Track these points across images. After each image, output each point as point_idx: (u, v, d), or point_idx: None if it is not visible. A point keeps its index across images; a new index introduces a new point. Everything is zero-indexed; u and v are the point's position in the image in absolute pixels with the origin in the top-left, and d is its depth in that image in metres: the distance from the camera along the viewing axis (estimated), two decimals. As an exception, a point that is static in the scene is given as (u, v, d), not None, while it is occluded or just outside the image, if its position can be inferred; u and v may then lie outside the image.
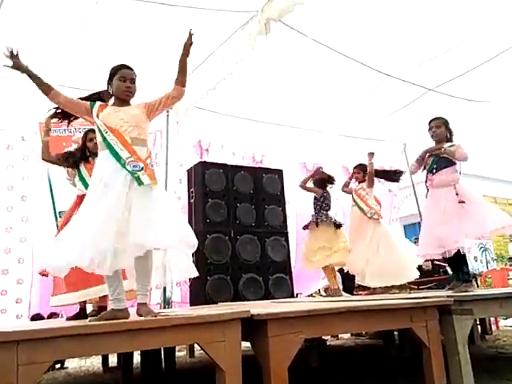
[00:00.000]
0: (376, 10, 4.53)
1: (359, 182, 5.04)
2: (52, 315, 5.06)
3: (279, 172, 6.20)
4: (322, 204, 5.16)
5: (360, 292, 4.97)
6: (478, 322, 5.06)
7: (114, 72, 2.55)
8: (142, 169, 2.33)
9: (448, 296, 2.79)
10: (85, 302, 3.38)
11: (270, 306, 3.40)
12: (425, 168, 3.76)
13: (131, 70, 2.58)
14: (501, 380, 3.02)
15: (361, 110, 6.54)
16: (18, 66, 2.49)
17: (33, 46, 4.58)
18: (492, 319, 6.00)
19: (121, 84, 2.52)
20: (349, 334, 6.15)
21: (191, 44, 2.64)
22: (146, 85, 5.45)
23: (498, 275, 7.21)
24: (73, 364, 5.15)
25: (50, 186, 5.76)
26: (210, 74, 5.09)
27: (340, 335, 6.02)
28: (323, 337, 4.84)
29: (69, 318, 3.31)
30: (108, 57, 4.78)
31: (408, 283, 5.80)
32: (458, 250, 3.41)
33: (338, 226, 5.04)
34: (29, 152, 5.90)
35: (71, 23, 4.31)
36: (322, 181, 5.27)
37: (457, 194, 3.47)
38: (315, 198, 5.22)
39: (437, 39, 5.02)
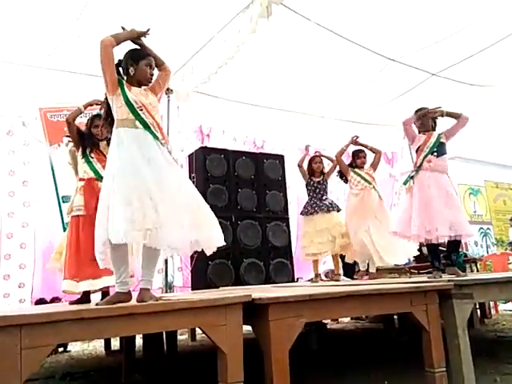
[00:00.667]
0: (379, -8, 4.46)
1: (360, 167, 4.98)
2: (54, 299, 5.10)
3: (280, 157, 6.19)
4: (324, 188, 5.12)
5: (360, 277, 4.98)
6: (477, 306, 5.10)
7: (142, 57, 2.58)
8: (171, 152, 2.47)
9: (448, 280, 2.81)
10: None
11: (271, 290, 3.43)
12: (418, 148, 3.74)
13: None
14: (500, 363, 3.06)
15: (363, 94, 6.48)
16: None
17: (32, 31, 4.55)
18: (491, 303, 6.05)
19: (148, 70, 2.58)
20: (349, 318, 6.21)
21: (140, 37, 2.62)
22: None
23: (498, 260, 7.22)
24: (75, 347, 5.22)
25: (53, 170, 5.76)
26: (211, 58, 5.04)
27: (340, 319, 6.08)
28: (323, 320, 4.89)
29: (72, 303, 3.33)
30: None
31: (408, 267, 5.84)
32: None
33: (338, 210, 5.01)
34: (30, 137, 5.88)
35: (70, 8, 4.25)
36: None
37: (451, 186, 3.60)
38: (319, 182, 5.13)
39: (440, 23, 4.95)
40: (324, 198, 5.02)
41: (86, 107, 3.60)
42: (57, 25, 4.49)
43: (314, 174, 5.13)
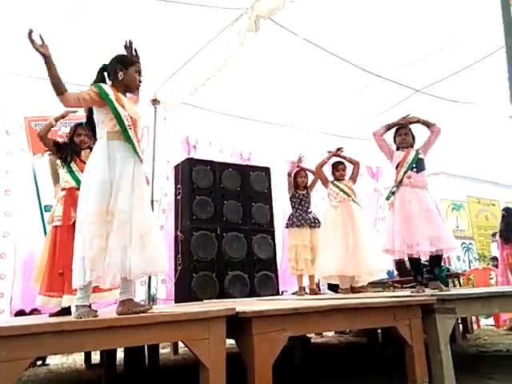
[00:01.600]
0: (366, 10, 4.54)
1: (339, 179, 4.99)
2: (34, 311, 4.99)
3: (266, 170, 6.21)
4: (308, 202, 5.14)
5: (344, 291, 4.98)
6: (459, 321, 5.13)
7: (132, 63, 2.56)
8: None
9: (431, 295, 2.82)
10: None
11: (255, 303, 3.41)
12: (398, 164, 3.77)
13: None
14: (482, 378, 3.07)
15: (349, 109, 6.56)
16: (43, 49, 2.33)
17: (17, 38, 4.52)
18: (473, 318, 6.10)
19: (136, 76, 2.56)
20: (333, 332, 6.19)
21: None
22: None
23: (480, 274, 7.31)
24: (55, 361, 5.10)
25: (36, 180, 5.69)
26: (198, 70, 5.06)
27: (324, 333, 6.06)
28: (307, 334, 4.87)
29: (52, 315, 3.26)
30: (96, 50, 4.74)
31: (392, 281, 5.87)
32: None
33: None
34: (13, 146, 5.80)
35: (59, 14, 4.24)
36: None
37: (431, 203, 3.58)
38: (303, 194, 5.13)
39: (425, 41, 5.06)
40: (309, 210, 5.06)
41: (57, 120, 3.60)
42: (42, 33, 4.46)
43: (299, 187, 5.15)
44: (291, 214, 5.07)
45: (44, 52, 2.30)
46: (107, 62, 2.58)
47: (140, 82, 2.59)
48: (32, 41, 2.28)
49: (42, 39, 2.31)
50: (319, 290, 5.67)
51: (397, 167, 3.73)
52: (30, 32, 2.27)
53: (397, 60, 5.46)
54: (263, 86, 5.76)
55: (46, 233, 5.59)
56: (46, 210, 5.62)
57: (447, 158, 7.11)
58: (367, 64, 5.54)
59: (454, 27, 4.88)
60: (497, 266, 7.52)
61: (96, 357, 4.63)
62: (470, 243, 13.74)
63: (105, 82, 2.52)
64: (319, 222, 4.98)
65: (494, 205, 14.67)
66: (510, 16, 4.36)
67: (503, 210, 7.10)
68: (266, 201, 5.96)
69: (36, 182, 5.67)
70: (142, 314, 2.13)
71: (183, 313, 2.10)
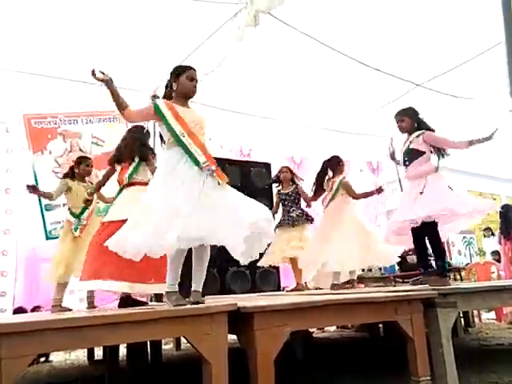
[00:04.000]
0: (366, 4, 4.52)
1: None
2: (36, 308, 5.01)
3: (267, 165, 6.20)
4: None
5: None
6: (461, 315, 5.14)
7: (182, 71, 2.72)
8: (214, 171, 2.56)
9: (433, 289, 2.82)
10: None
11: (256, 299, 3.41)
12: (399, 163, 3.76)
13: (195, 71, 2.77)
14: (483, 372, 3.08)
15: (349, 104, 6.55)
16: (104, 77, 2.59)
17: (17, 36, 4.51)
18: (475, 312, 6.10)
19: (189, 83, 2.70)
20: (335, 327, 6.20)
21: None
22: (132, 74, 5.42)
23: (481, 269, 7.31)
24: (58, 357, 5.12)
25: (36, 178, 5.68)
26: (198, 65, 5.04)
27: (326, 328, 6.07)
28: (309, 329, 4.88)
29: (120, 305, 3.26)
30: (94, 47, 4.74)
31: (393, 276, 5.87)
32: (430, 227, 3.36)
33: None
34: (13, 144, 5.80)
35: (56, 13, 4.22)
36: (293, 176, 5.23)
37: (424, 187, 3.40)
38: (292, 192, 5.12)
39: (425, 35, 5.04)
40: (292, 210, 4.99)
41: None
42: (42, 30, 4.46)
43: (283, 184, 5.14)
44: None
45: (105, 79, 2.58)
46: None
47: (195, 87, 2.73)
48: (94, 75, 2.56)
49: (101, 72, 2.59)
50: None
51: None
52: (93, 72, 2.55)
53: (397, 54, 5.44)
54: (263, 82, 5.75)
55: (46, 231, 5.63)
56: (46, 209, 5.63)
57: (449, 153, 7.09)
58: (367, 58, 5.52)
59: (455, 21, 4.86)
60: (498, 261, 7.53)
61: (99, 353, 4.65)
62: (471, 237, 13.72)
63: (170, 98, 2.74)
64: (303, 219, 4.93)
65: (494, 199, 14.63)
66: (510, 11, 4.36)
67: (501, 207, 7.11)
68: (266, 197, 5.95)
69: (36, 180, 5.66)
70: (144, 310, 2.13)
71: (185, 308, 2.11)
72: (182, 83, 2.68)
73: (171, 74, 2.73)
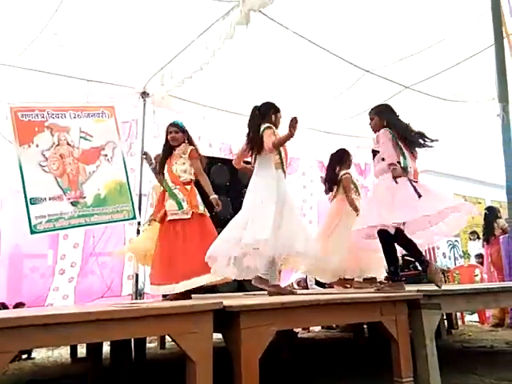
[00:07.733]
0: (357, 5, 4.54)
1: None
2: (18, 305, 4.94)
3: (256, 165, 6.17)
4: None
5: (332, 285, 5.00)
6: (444, 317, 5.19)
7: (279, 110, 3.62)
8: None
9: (418, 290, 2.85)
10: None
11: (242, 298, 3.41)
12: None
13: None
14: (466, 373, 3.12)
15: (338, 105, 6.57)
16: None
17: (3, 28, 4.44)
18: (458, 314, 6.17)
19: (280, 121, 3.62)
20: (320, 327, 6.23)
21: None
22: (122, 70, 5.37)
23: (465, 271, 7.40)
24: (40, 354, 5.06)
25: (21, 171, 5.58)
26: (189, 63, 5.02)
27: (311, 328, 6.09)
28: (294, 329, 4.89)
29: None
30: (83, 40, 4.68)
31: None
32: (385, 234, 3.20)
33: None
34: (-1, 137, 5.71)
35: (43, 6, 4.16)
36: None
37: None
38: None
39: (415, 37, 5.08)
40: None
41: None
42: (29, 23, 4.39)
43: None
44: None
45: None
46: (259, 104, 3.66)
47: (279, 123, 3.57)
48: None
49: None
50: (306, 286, 5.68)
51: None
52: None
53: (386, 56, 5.47)
54: (253, 80, 5.73)
55: (31, 225, 5.55)
56: (32, 203, 5.53)
57: (434, 156, 7.14)
58: (357, 59, 5.54)
59: (444, 24, 4.91)
60: (482, 264, 7.62)
61: (82, 350, 4.60)
62: (456, 240, 13.88)
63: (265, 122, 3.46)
64: None
65: (479, 203, 14.83)
66: (500, 14, 4.41)
67: (485, 209, 7.14)
68: (254, 196, 5.93)
69: (22, 174, 5.56)
70: (129, 308, 2.11)
71: (170, 306, 2.09)
72: (278, 118, 3.61)
73: (272, 107, 3.61)
